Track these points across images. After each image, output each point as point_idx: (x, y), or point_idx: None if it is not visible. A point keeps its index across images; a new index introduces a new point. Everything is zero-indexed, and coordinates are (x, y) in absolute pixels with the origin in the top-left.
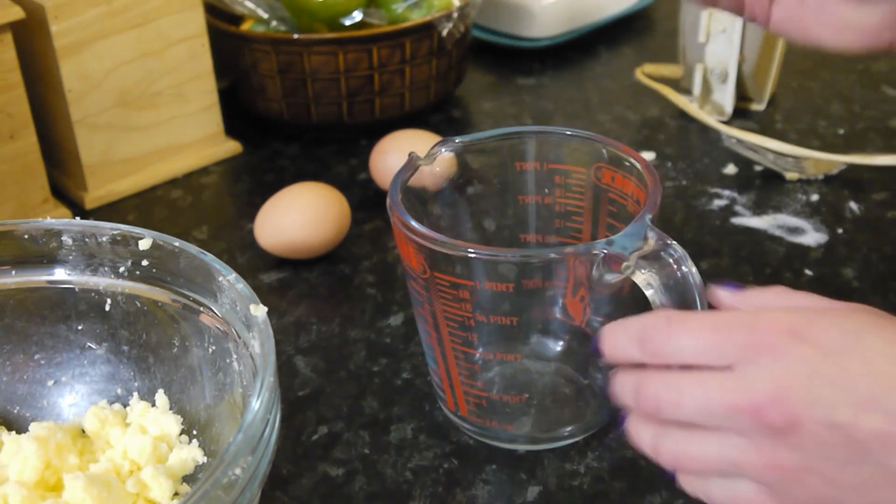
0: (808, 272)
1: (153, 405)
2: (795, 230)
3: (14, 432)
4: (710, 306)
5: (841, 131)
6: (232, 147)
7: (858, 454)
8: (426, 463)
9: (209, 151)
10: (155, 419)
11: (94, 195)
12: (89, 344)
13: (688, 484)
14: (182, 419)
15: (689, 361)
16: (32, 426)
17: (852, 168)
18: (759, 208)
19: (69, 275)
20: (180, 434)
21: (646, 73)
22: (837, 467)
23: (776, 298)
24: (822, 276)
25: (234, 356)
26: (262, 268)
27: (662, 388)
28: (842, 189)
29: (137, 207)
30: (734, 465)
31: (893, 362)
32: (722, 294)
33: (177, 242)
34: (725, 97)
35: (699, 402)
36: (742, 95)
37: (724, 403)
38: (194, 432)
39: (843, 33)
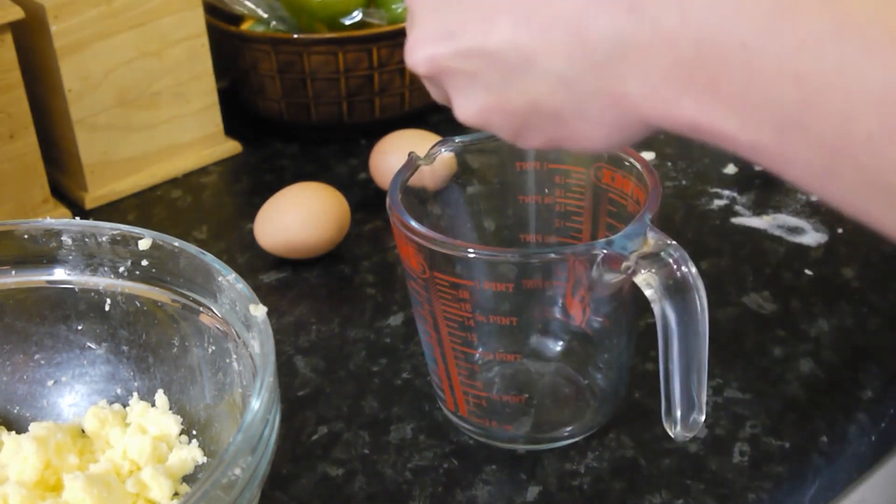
0: (807, 272)
1: (153, 405)
2: (795, 230)
3: (14, 432)
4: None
5: None
6: (232, 147)
7: (506, 71)
8: (426, 463)
9: (209, 151)
10: (155, 419)
11: (94, 195)
12: (89, 344)
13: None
14: (182, 419)
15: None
16: (32, 426)
17: None
18: (758, 208)
19: (69, 275)
20: (180, 434)
21: None
22: (502, 92)
23: None
24: (822, 275)
25: (234, 356)
26: (261, 268)
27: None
28: None
29: (137, 207)
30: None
31: None
32: None
33: (176, 242)
34: None
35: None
36: None
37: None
38: (194, 432)
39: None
